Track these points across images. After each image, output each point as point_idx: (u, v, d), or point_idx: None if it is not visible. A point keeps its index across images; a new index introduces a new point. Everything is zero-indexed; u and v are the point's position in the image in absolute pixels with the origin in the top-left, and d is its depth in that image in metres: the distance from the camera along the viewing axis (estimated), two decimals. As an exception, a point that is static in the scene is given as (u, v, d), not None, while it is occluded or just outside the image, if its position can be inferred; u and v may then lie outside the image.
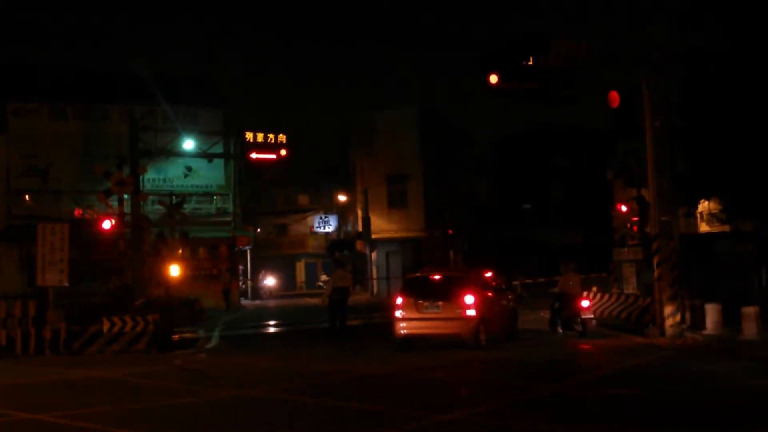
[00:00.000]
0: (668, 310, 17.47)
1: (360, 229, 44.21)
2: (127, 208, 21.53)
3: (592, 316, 19.41)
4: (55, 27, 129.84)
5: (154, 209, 33.85)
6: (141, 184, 22.27)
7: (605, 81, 19.20)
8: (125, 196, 21.07)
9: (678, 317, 17.53)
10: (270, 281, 47.37)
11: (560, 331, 18.98)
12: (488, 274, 19.20)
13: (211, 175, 39.79)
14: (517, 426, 9.14)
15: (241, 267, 42.55)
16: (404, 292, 17.17)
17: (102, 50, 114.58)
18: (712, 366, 13.85)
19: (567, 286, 19.35)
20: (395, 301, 17.14)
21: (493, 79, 17.02)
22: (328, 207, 54.15)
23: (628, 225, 23.98)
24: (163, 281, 22.21)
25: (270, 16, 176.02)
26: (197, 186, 39.99)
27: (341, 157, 52.27)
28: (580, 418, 9.66)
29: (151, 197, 31.40)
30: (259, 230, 49.94)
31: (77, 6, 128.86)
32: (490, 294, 17.59)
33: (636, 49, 18.34)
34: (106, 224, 20.65)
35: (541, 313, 20.16)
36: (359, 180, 44.48)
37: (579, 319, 18.78)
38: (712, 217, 25.07)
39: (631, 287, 22.67)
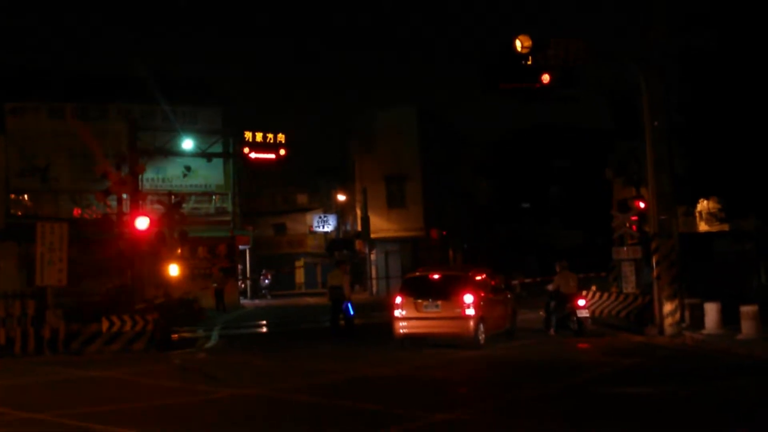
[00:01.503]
0: (667, 308, 17.47)
1: (359, 228, 44.19)
2: (125, 208, 21.50)
3: (588, 314, 19.33)
4: (54, 27, 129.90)
5: (152, 209, 33.78)
6: (140, 183, 22.15)
7: (605, 80, 19.21)
8: (124, 196, 21.04)
9: (677, 316, 17.53)
10: (269, 280, 47.39)
11: (552, 333, 18.94)
12: (486, 274, 19.17)
13: (210, 174, 39.68)
14: (517, 424, 9.18)
15: (240, 266, 42.52)
16: (403, 292, 17.16)
17: (101, 50, 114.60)
18: (710, 365, 13.88)
19: (563, 284, 19.31)
20: (394, 301, 17.14)
21: (493, 78, 17.05)
22: (328, 206, 54.10)
23: (628, 224, 23.94)
24: (162, 282, 22.12)
25: (269, 17, 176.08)
26: (196, 185, 39.89)
27: (341, 156, 52.25)
28: (578, 416, 9.67)
29: (149, 197, 31.34)
30: (257, 230, 49.98)
31: (75, 6, 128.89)
32: (489, 293, 17.57)
33: (635, 47, 18.33)
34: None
35: (540, 312, 20.18)
36: (358, 179, 44.47)
37: (575, 318, 18.73)
38: (711, 217, 25.09)
39: (630, 286, 22.62)
